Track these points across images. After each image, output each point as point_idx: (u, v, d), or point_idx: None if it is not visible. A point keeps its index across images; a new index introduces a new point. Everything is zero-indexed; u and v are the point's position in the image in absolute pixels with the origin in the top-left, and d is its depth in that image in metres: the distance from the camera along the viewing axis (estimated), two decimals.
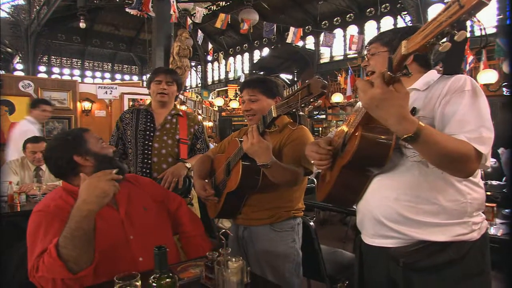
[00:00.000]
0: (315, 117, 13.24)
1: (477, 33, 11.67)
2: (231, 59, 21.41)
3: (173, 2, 6.40)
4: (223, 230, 1.36)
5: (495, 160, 4.68)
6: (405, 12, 13.34)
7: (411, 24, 9.34)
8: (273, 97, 1.70)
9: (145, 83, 3.62)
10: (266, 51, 19.59)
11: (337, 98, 11.46)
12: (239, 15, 7.73)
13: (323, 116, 13.41)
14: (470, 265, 1.10)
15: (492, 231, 2.06)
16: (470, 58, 7.62)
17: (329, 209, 3.90)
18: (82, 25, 9.35)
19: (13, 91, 5.42)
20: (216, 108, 14.45)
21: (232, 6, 13.56)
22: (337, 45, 15.32)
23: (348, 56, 15.46)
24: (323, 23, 16.81)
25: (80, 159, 1.37)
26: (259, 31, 10.39)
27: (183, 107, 8.71)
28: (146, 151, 2.14)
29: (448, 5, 0.69)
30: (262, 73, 17.00)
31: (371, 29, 15.30)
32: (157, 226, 1.48)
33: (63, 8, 13.93)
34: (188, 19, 7.87)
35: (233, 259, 1.09)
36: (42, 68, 21.65)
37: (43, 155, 1.45)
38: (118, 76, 25.23)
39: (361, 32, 15.04)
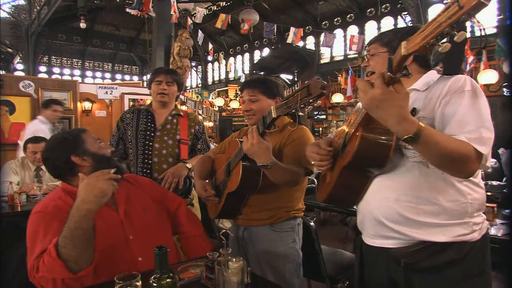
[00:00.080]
0: (315, 117, 13.25)
1: (478, 33, 11.68)
2: (231, 59, 21.41)
3: (174, 2, 6.40)
4: (224, 231, 1.36)
5: (495, 160, 4.68)
6: (406, 13, 13.34)
7: (411, 25, 9.34)
8: (273, 97, 1.70)
9: (145, 83, 3.63)
10: (266, 51, 19.60)
11: (337, 98, 11.47)
12: (240, 15, 7.74)
13: (324, 116, 13.42)
14: (470, 266, 1.10)
15: (492, 231, 2.06)
16: (471, 59, 7.63)
17: (330, 209, 3.90)
18: (82, 25, 9.38)
19: (14, 91, 5.42)
20: (217, 108, 14.46)
21: (232, 6, 13.56)
22: (338, 45, 15.31)
23: (349, 57, 15.45)
24: (323, 23, 16.81)
25: (78, 159, 1.37)
26: (260, 31, 10.39)
27: (184, 107, 8.71)
28: (146, 151, 2.14)
29: (448, 6, 0.68)
30: (262, 73, 17.00)
31: (371, 29, 15.31)
32: (156, 226, 1.48)
33: (64, 8, 13.94)
34: (189, 19, 7.86)
35: (234, 259, 1.09)
36: (43, 68, 21.67)
37: (41, 156, 1.45)
38: (118, 76, 25.25)
39: (362, 32, 15.04)
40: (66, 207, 1.24)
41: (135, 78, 25.05)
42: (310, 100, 1.15)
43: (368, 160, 1.11)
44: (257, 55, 20.28)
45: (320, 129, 13.25)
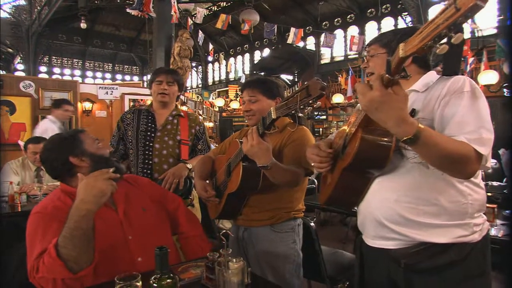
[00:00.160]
0: (316, 117, 13.25)
1: (477, 34, 11.68)
2: (231, 59, 21.41)
3: (174, 2, 6.41)
4: (224, 231, 1.36)
5: (495, 161, 4.68)
6: (406, 13, 13.33)
7: (411, 25, 9.34)
8: (273, 97, 1.70)
9: (145, 84, 3.63)
10: (266, 51, 19.58)
11: (337, 98, 11.48)
12: (240, 15, 7.74)
13: (324, 117, 13.42)
14: (471, 267, 1.10)
15: (492, 232, 2.06)
16: (471, 59, 7.63)
17: (330, 210, 3.90)
18: (83, 25, 9.37)
19: (14, 91, 5.42)
20: (217, 109, 14.47)
21: (233, 7, 13.56)
22: (338, 45, 15.31)
23: (349, 57, 15.44)
24: (323, 23, 16.80)
25: (76, 160, 1.37)
26: (260, 31, 10.39)
27: (184, 108, 8.72)
28: (147, 152, 2.14)
29: (445, 8, 0.69)
30: (262, 73, 17.00)
31: (371, 29, 15.30)
32: (156, 226, 1.48)
33: (64, 9, 13.95)
34: (189, 19, 7.87)
35: (234, 259, 1.09)
36: (43, 69, 21.67)
37: (39, 157, 1.45)
38: (118, 76, 25.25)
39: (362, 32, 15.03)
40: (65, 207, 1.24)
41: (136, 79, 25.04)
42: (310, 101, 1.15)
43: (368, 161, 1.11)
44: (257, 55, 20.28)
45: (320, 129, 13.26)
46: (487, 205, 1.29)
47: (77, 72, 23.72)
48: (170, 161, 2.14)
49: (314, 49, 17.23)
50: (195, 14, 8.33)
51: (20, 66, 17.35)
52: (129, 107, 6.55)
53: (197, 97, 15.08)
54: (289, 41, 8.42)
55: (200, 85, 22.85)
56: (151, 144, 2.15)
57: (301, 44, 15.47)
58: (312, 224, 1.97)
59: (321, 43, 11.15)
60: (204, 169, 1.87)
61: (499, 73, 7.04)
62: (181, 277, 1.21)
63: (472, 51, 7.78)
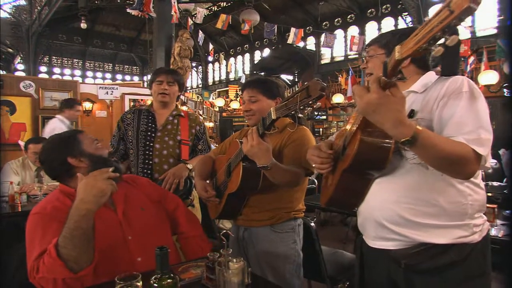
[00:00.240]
0: (316, 117, 13.26)
1: (478, 34, 11.68)
2: (232, 59, 21.41)
3: (174, 2, 6.40)
4: (224, 231, 1.36)
5: (496, 161, 4.68)
6: (406, 13, 13.33)
7: (411, 26, 9.34)
8: (273, 98, 1.70)
9: (146, 84, 3.64)
10: (267, 51, 19.59)
11: (338, 98, 11.49)
12: (240, 15, 7.74)
13: (324, 117, 13.43)
14: (471, 267, 1.10)
15: (493, 232, 2.06)
16: (471, 59, 7.63)
17: (330, 210, 3.90)
18: (83, 25, 9.38)
19: (14, 91, 5.42)
20: (217, 109, 14.48)
21: (233, 7, 13.56)
22: (338, 45, 15.31)
23: (349, 57, 15.44)
24: (324, 23, 16.80)
25: (74, 160, 1.36)
26: (260, 31, 10.38)
27: (184, 108, 8.72)
28: (147, 152, 2.14)
29: (439, 11, 0.69)
30: (263, 73, 17.00)
31: (372, 30, 15.30)
32: (155, 226, 1.48)
33: (64, 9, 13.95)
34: (189, 19, 7.86)
35: (234, 260, 1.09)
36: (43, 69, 21.68)
37: (38, 158, 1.44)
38: (119, 76, 25.26)
39: (362, 33, 15.03)
40: (64, 208, 1.24)
41: (136, 79, 25.05)
42: (310, 102, 1.15)
43: (367, 163, 1.11)
44: (257, 55, 20.28)
45: (321, 129, 13.27)
46: (487, 205, 1.29)
47: (77, 72, 23.73)
48: (171, 161, 2.14)
49: (314, 49, 17.23)
50: (195, 14, 8.33)
51: (20, 66, 17.36)
52: (129, 107, 6.55)
53: (197, 97, 15.08)
54: (289, 41, 8.42)
55: (200, 85, 22.85)
56: (151, 144, 2.14)
57: (301, 44, 15.47)
58: (312, 224, 1.97)
59: (321, 43, 11.15)
60: (205, 169, 1.87)
61: (499, 73, 7.04)
62: (182, 277, 1.21)
63: (470, 51, 7.78)
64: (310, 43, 17.63)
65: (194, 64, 20.46)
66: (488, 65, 7.35)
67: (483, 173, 1.32)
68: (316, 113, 13.03)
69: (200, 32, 8.88)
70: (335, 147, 1.27)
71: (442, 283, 1.10)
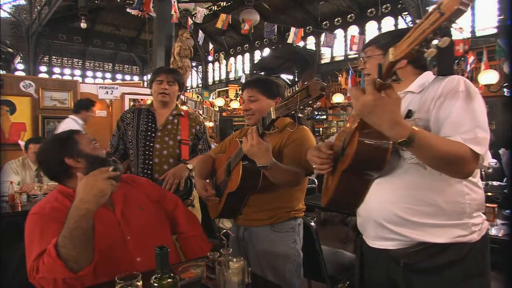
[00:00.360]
0: (316, 117, 13.26)
1: (478, 33, 11.68)
2: (232, 59, 21.40)
3: (174, 2, 6.40)
4: (224, 231, 1.36)
5: (496, 160, 4.68)
6: (406, 13, 13.32)
7: (411, 26, 9.33)
8: (273, 97, 1.70)
9: (146, 83, 3.64)
10: (267, 51, 19.58)
11: (338, 98, 11.50)
12: (240, 15, 7.73)
13: (324, 117, 13.43)
14: (470, 266, 1.10)
15: (493, 231, 2.06)
16: (471, 59, 7.63)
17: (330, 209, 3.90)
18: (83, 25, 9.37)
19: (14, 91, 5.41)
20: (217, 108, 14.47)
21: (233, 7, 13.55)
22: (338, 45, 15.30)
23: (349, 57, 15.44)
24: (324, 23, 16.80)
25: (72, 161, 1.36)
26: (260, 31, 10.37)
27: (184, 107, 8.71)
28: (147, 152, 2.13)
29: (430, 13, 0.70)
30: (263, 73, 17.00)
31: (372, 29, 15.29)
32: (155, 226, 1.48)
33: (64, 8, 13.95)
34: (189, 19, 7.86)
35: (234, 259, 1.09)
36: (43, 68, 21.68)
37: (36, 158, 1.44)
38: (119, 76, 25.26)
39: (362, 32, 15.03)
40: (63, 208, 1.24)
41: (136, 78, 25.03)
42: (310, 102, 1.15)
43: (366, 163, 1.12)
44: (257, 55, 20.27)
45: (321, 129, 13.27)
46: (487, 204, 1.29)
47: (77, 72, 23.73)
48: (171, 161, 2.13)
49: (314, 49, 17.23)
50: (195, 13, 8.32)
51: (20, 66, 17.35)
52: (129, 106, 6.54)
53: (197, 96, 15.09)
54: (289, 40, 8.41)
55: (200, 85, 22.85)
56: (151, 144, 2.14)
57: (301, 43, 15.48)
58: (312, 223, 1.97)
59: (321, 43, 11.14)
60: (205, 168, 1.87)
61: (499, 72, 7.04)
62: (182, 276, 1.21)
63: (473, 51, 7.78)
64: (310, 42, 17.63)
65: (194, 64, 20.46)
66: (488, 64, 7.35)
67: (482, 172, 1.33)
68: (316, 113, 13.03)
69: (200, 31, 8.88)
70: (335, 148, 1.28)
71: (440, 282, 1.10)
